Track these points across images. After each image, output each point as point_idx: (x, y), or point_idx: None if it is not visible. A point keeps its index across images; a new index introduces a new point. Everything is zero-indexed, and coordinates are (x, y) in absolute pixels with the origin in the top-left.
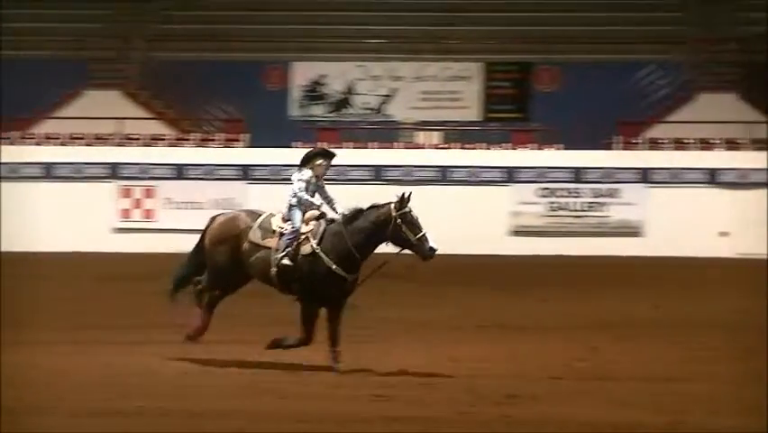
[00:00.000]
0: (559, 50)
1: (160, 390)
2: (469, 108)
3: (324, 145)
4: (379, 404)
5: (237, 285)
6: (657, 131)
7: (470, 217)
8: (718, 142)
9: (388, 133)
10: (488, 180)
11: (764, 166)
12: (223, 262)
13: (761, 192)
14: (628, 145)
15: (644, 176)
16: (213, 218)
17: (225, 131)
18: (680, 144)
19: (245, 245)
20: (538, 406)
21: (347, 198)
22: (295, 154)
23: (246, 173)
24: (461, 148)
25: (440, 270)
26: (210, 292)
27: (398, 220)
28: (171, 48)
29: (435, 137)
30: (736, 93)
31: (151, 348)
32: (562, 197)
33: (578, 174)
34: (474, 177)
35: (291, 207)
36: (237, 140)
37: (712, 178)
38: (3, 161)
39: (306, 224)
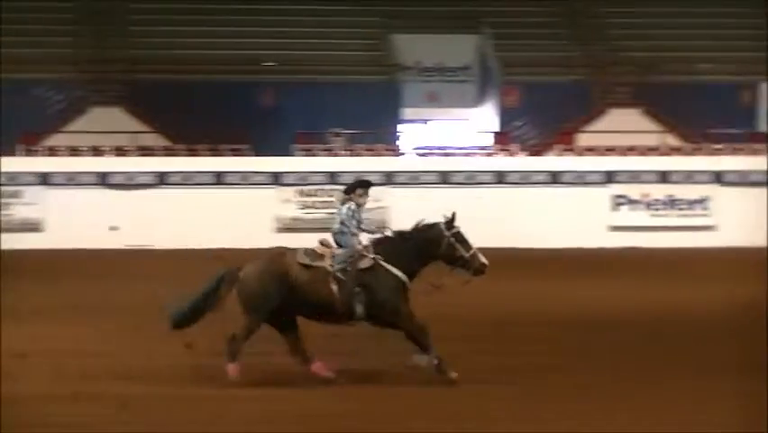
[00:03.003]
0: None
1: None
2: None
3: None
4: None
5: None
6: (55, 140)
7: None
8: (108, 149)
9: None
10: None
11: (176, 169)
12: (270, 294)
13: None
14: (30, 153)
15: (44, 179)
16: (237, 268)
17: None
18: (74, 151)
19: (295, 271)
20: None
21: None
22: None
23: None
24: None
25: None
26: (247, 338)
27: (452, 239)
28: None
29: None
30: (121, 107)
31: None
32: None
33: None
34: None
35: (342, 233)
36: None
37: (103, 180)
38: None
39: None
